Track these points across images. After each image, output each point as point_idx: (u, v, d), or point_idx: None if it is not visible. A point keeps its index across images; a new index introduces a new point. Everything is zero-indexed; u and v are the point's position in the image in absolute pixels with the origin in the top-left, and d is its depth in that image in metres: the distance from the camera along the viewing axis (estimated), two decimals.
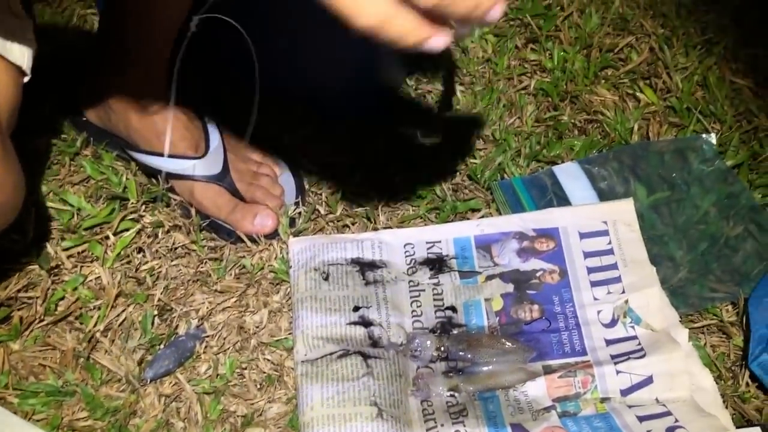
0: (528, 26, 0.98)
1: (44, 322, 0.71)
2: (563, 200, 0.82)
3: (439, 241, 0.77)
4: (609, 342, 0.71)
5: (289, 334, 0.72)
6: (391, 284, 0.73)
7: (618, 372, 0.68)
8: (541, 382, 0.68)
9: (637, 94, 0.94)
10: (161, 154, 0.77)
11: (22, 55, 0.58)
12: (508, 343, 0.71)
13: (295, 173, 0.84)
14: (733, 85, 0.95)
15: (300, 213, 0.80)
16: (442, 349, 0.70)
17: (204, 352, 0.71)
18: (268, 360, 0.71)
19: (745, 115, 0.92)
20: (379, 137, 0.87)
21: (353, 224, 0.81)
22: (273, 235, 0.78)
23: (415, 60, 0.93)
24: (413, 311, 0.73)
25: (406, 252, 0.76)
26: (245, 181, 0.80)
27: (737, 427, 0.68)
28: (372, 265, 0.74)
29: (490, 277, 0.75)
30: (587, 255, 0.76)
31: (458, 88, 0.93)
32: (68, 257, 0.75)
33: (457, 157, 0.86)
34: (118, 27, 0.73)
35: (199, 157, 0.78)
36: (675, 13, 1.02)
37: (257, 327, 0.73)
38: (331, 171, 0.85)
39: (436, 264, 0.76)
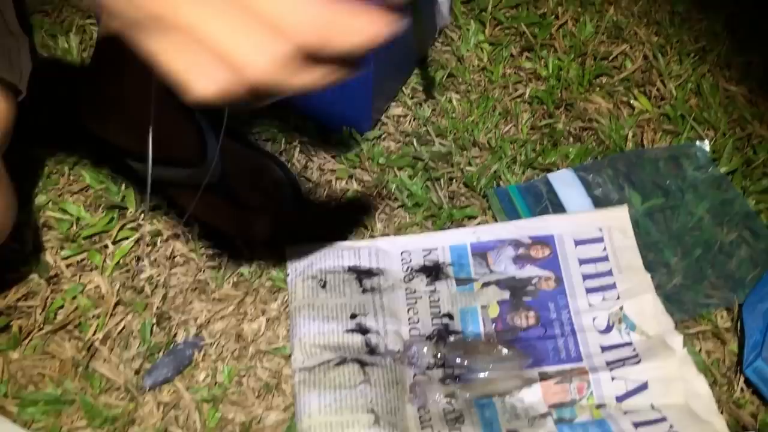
0: (523, 35, 0.99)
1: (43, 331, 0.72)
2: (558, 207, 0.83)
3: (436, 249, 0.78)
4: (604, 348, 0.72)
5: (287, 341, 0.73)
6: (387, 292, 0.74)
7: (613, 378, 0.69)
8: (537, 389, 0.69)
9: (632, 101, 0.94)
10: (160, 163, 0.77)
11: (17, 73, 0.58)
12: (504, 350, 0.71)
13: (292, 181, 0.84)
14: (726, 92, 0.96)
15: (297, 221, 0.81)
16: (439, 356, 0.71)
17: (202, 360, 0.72)
18: (266, 368, 0.71)
19: (738, 122, 0.93)
20: (375, 144, 0.88)
21: (350, 231, 0.81)
22: (271, 243, 0.79)
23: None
24: (410, 318, 0.73)
25: (402, 259, 0.77)
26: (243, 189, 0.80)
27: None
28: (369, 273, 0.75)
29: (486, 284, 0.75)
30: (582, 262, 0.76)
31: (454, 96, 0.93)
32: (67, 266, 0.76)
33: (453, 164, 0.86)
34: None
35: (197, 165, 0.78)
36: (669, 21, 1.03)
37: (255, 335, 0.73)
38: (329, 178, 0.85)
39: (433, 271, 0.76)
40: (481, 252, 0.77)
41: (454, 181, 0.86)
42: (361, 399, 0.66)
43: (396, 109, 0.92)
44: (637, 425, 0.66)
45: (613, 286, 0.75)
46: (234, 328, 0.74)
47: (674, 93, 0.95)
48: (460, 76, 0.95)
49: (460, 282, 0.75)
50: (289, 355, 0.71)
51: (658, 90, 0.95)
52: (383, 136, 0.90)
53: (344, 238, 0.81)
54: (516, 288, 0.75)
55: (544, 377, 0.69)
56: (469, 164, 0.87)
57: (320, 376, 0.68)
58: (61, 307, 0.73)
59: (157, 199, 0.80)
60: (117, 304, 0.74)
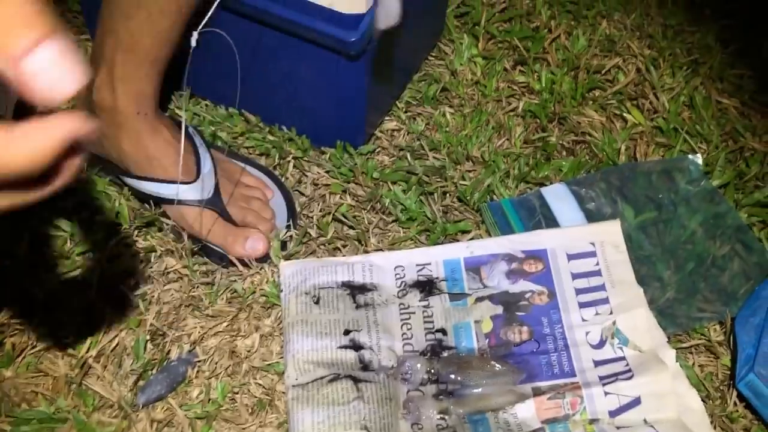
0: (516, 49, 1.00)
1: (37, 349, 0.72)
2: (552, 221, 0.83)
3: (429, 264, 0.78)
4: (597, 363, 0.72)
5: (281, 358, 0.73)
6: (381, 307, 0.74)
7: (606, 393, 0.69)
8: (531, 404, 0.69)
9: (625, 114, 0.95)
10: (153, 180, 0.78)
11: (2, 103, 0.58)
12: (497, 365, 0.71)
13: (286, 196, 0.84)
14: (719, 105, 0.97)
15: (291, 236, 0.81)
16: (433, 371, 0.71)
17: (196, 377, 0.72)
18: (260, 384, 0.72)
19: (731, 135, 0.93)
20: (368, 158, 0.88)
21: (344, 247, 0.82)
22: (264, 258, 0.79)
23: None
24: (404, 334, 0.73)
25: (396, 274, 0.77)
26: (237, 204, 0.80)
27: None
28: (362, 288, 0.75)
29: (479, 299, 0.75)
30: (575, 276, 0.77)
31: (447, 110, 0.94)
32: (61, 283, 0.76)
33: (447, 178, 0.87)
34: (107, 55, 0.74)
35: (191, 182, 0.78)
36: (661, 35, 1.04)
37: (249, 351, 0.74)
38: (323, 192, 0.86)
39: (426, 286, 0.76)
40: (475, 267, 0.77)
41: (447, 195, 0.86)
42: (355, 415, 0.66)
43: (390, 124, 0.92)
44: None
45: (605, 300, 0.75)
46: (227, 344, 0.74)
47: (667, 106, 0.95)
48: (454, 90, 0.96)
49: (453, 297, 0.76)
50: (283, 372, 0.71)
51: (650, 103, 0.96)
52: (377, 150, 0.90)
53: (338, 253, 0.81)
54: (509, 303, 0.75)
55: (537, 392, 0.70)
56: (463, 178, 0.87)
57: (314, 393, 0.68)
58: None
59: (151, 215, 0.80)
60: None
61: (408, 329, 0.73)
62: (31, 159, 0.32)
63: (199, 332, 0.74)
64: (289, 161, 0.87)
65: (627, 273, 0.77)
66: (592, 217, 0.83)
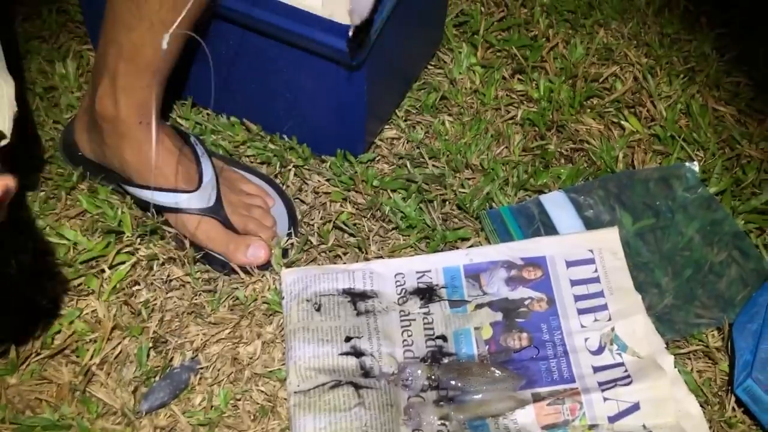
0: (514, 57, 1.01)
1: (41, 356, 0.72)
2: (550, 229, 0.84)
3: (429, 271, 0.79)
4: (596, 369, 0.72)
5: (282, 364, 0.73)
6: (382, 314, 0.75)
7: (605, 399, 0.70)
8: (530, 410, 0.69)
9: (622, 122, 0.96)
10: (155, 188, 0.78)
11: (2, 119, 0.58)
12: (497, 372, 0.72)
13: (287, 204, 0.85)
14: (715, 112, 0.97)
15: (292, 244, 0.82)
16: (433, 378, 0.71)
17: (198, 384, 0.72)
18: (262, 391, 0.72)
19: (727, 142, 0.94)
20: (368, 166, 0.89)
21: (345, 254, 0.82)
22: (266, 266, 0.80)
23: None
24: (404, 341, 0.74)
25: (396, 282, 0.78)
26: (238, 212, 0.81)
27: None
28: (363, 296, 0.76)
29: (479, 306, 0.76)
30: (574, 283, 0.77)
31: (447, 118, 0.95)
32: (64, 291, 0.76)
33: (446, 186, 0.87)
34: (110, 65, 0.75)
35: (193, 191, 0.79)
36: (658, 43, 1.05)
37: (251, 358, 0.74)
38: (323, 201, 0.86)
39: (427, 293, 0.77)
40: (474, 274, 0.78)
41: (447, 203, 0.87)
42: (356, 422, 0.67)
43: (389, 132, 0.93)
44: None
45: (604, 307, 0.76)
46: (230, 351, 0.75)
47: (664, 114, 0.96)
48: (453, 98, 0.97)
49: (453, 304, 0.76)
50: (285, 379, 0.71)
51: (648, 111, 0.97)
52: (377, 158, 0.91)
53: (339, 260, 0.82)
54: (509, 309, 0.76)
55: (537, 398, 0.70)
56: (462, 186, 0.88)
57: (315, 399, 0.68)
58: (59, 331, 0.74)
59: (153, 223, 0.80)
60: (114, 328, 0.74)
61: (408, 336, 0.74)
62: None
63: (201, 339, 0.75)
64: (290, 170, 0.88)
65: (625, 280, 0.78)
66: (590, 224, 0.84)
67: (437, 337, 0.74)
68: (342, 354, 0.71)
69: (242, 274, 0.79)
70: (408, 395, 0.70)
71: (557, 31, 1.04)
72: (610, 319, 0.75)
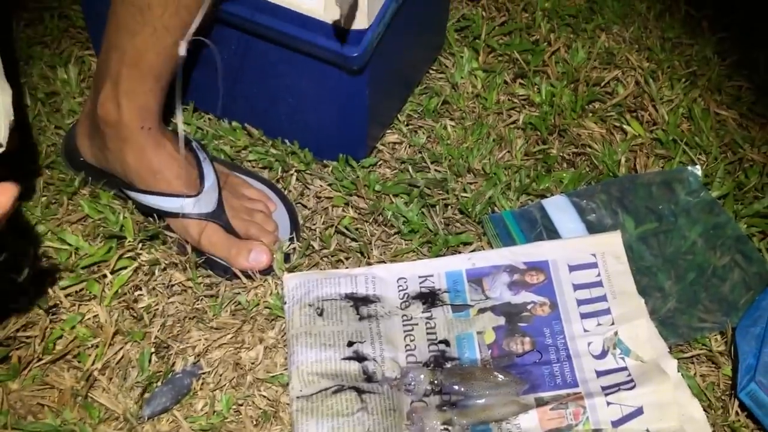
0: (516, 62, 1.01)
1: (43, 361, 0.72)
2: (553, 233, 0.83)
3: (432, 275, 0.78)
4: (599, 373, 0.72)
5: (285, 369, 0.73)
6: (384, 319, 0.75)
7: (609, 403, 0.69)
8: (534, 415, 0.69)
9: (624, 126, 0.96)
10: (157, 193, 0.78)
11: None
12: (500, 376, 0.72)
13: (289, 209, 0.85)
14: (717, 116, 0.97)
15: (294, 248, 0.82)
16: (436, 382, 0.71)
17: (201, 389, 0.72)
18: (264, 396, 0.72)
19: (730, 146, 0.94)
20: (370, 171, 0.89)
21: (347, 259, 0.82)
22: (268, 271, 0.79)
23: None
24: (407, 345, 0.74)
25: (399, 286, 0.78)
26: (240, 217, 0.81)
27: None
28: (365, 300, 0.76)
29: (482, 311, 0.76)
30: (577, 287, 0.77)
31: (448, 123, 0.95)
32: (66, 296, 0.76)
33: (448, 191, 0.87)
34: (112, 70, 0.75)
35: (195, 195, 0.79)
36: (660, 47, 1.05)
37: (253, 363, 0.74)
38: (325, 205, 0.86)
39: (429, 298, 0.77)
40: (477, 278, 0.78)
41: (449, 207, 0.87)
42: (359, 426, 0.67)
43: (391, 137, 0.93)
44: None
45: (607, 311, 0.76)
46: (232, 356, 0.74)
47: (666, 118, 0.96)
48: (455, 103, 0.97)
49: (456, 308, 0.76)
50: (287, 383, 0.71)
51: (650, 115, 0.97)
52: (379, 163, 0.91)
53: (341, 265, 0.82)
54: (511, 314, 0.76)
55: (540, 403, 0.70)
56: (464, 191, 0.88)
57: (318, 404, 0.68)
58: (60, 337, 0.74)
59: (155, 228, 0.80)
60: (115, 333, 0.74)
61: (411, 340, 0.74)
62: None
63: (203, 344, 0.75)
64: (291, 174, 0.88)
65: (628, 284, 0.78)
66: (593, 228, 0.84)
67: (440, 342, 0.74)
68: (344, 359, 0.71)
69: (244, 279, 0.79)
70: (411, 400, 0.70)
71: (559, 35, 1.04)
72: (613, 323, 0.75)
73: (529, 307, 0.76)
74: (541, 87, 0.98)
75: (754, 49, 1.05)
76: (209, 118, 0.93)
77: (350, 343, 0.72)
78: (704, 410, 0.71)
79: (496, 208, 0.87)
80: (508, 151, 0.92)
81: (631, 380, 0.71)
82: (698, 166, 0.89)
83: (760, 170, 0.91)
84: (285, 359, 0.74)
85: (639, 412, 0.69)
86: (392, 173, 0.90)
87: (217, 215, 0.79)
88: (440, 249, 0.83)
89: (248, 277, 0.79)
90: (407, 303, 0.76)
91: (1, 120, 0.58)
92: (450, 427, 0.68)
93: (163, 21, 0.71)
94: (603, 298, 0.76)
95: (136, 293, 0.78)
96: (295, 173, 0.88)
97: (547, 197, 0.87)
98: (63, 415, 0.69)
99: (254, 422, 0.71)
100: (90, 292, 0.77)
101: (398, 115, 0.95)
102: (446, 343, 0.74)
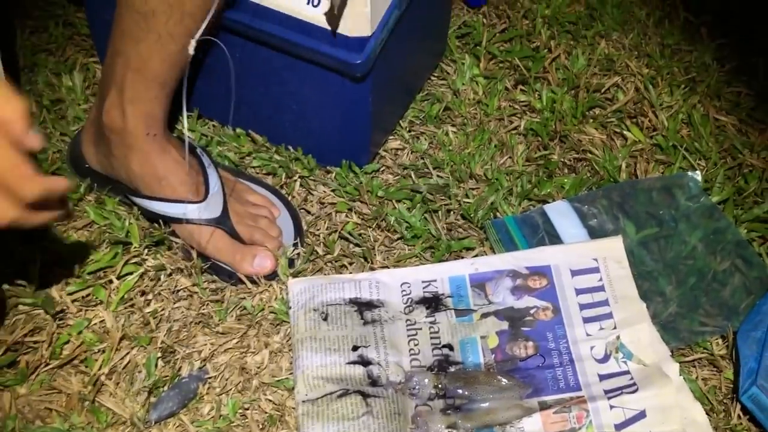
0: (517, 68, 1.01)
1: (50, 366, 0.73)
2: (555, 238, 0.84)
3: (435, 280, 0.79)
4: (602, 377, 0.73)
5: (290, 374, 0.74)
6: (388, 323, 0.75)
7: (612, 407, 0.70)
8: (537, 418, 0.70)
9: (624, 132, 0.96)
10: (162, 199, 0.79)
11: None
12: (504, 380, 0.72)
13: (293, 214, 0.86)
14: (717, 122, 0.98)
15: (299, 254, 0.82)
16: (440, 386, 0.72)
17: (207, 394, 0.73)
18: (270, 400, 0.72)
19: (729, 152, 0.95)
20: (373, 177, 0.89)
21: (351, 264, 0.83)
22: (272, 276, 0.80)
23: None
24: (411, 350, 0.74)
25: (402, 291, 0.78)
26: (244, 223, 0.82)
27: None
28: (370, 305, 0.76)
29: (485, 315, 0.77)
30: (579, 292, 0.78)
31: (450, 129, 0.95)
32: (73, 301, 0.77)
33: (450, 196, 0.88)
34: (117, 77, 0.75)
35: (199, 201, 0.80)
36: (659, 54, 1.05)
37: (259, 368, 0.75)
38: (329, 211, 0.87)
39: (432, 302, 0.78)
40: (480, 283, 0.79)
41: (451, 213, 0.87)
42: (364, 430, 0.67)
43: (394, 143, 0.94)
44: None
45: (609, 315, 0.76)
46: (237, 361, 0.75)
47: (666, 124, 0.97)
48: (456, 109, 0.97)
49: (459, 313, 0.77)
50: (293, 388, 0.72)
51: (650, 121, 0.97)
52: (381, 169, 0.91)
53: (344, 270, 0.82)
54: (514, 318, 0.76)
55: (543, 407, 0.71)
56: (467, 196, 0.89)
57: (323, 408, 0.69)
58: (67, 342, 0.75)
59: (161, 234, 0.81)
60: (122, 338, 0.75)
61: (415, 345, 0.75)
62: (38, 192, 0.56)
63: (209, 349, 0.75)
64: (295, 180, 0.89)
65: (630, 288, 0.78)
66: (594, 233, 0.85)
67: (443, 346, 0.75)
68: (349, 363, 0.72)
69: (249, 284, 0.79)
70: (415, 404, 0.71)
71: (559, 42, 1.05)
72: (615, 328, 0.75)
73: (532, 311, 0.77)
74: (542, 93, 0.99)
75: (752, 55, 1.06)
76: (213, 125, 0.93)
77: (355, 348, 0.73)
78: (706, 414, 0.71)
79: (498, 214, 0.87)
80: (510, 157, 0.93)
81: (634, 384, 0.72)
82: (698, 172, 0.90)
83: (759, 175, 0.92)
84: (290, 363, 0.75)
85: (642, 415, 0.70)
86: (395, 179, 0.91)
87: (222, 221, 0.80)
88: (443, 254, 0.83)
89: (253, 282, 0.79)
90: (411, 308, 0.77)
91: None
92: (454, 431, 0.69)
93: (167, 28, 0.72)
94: (605, 303, 0.77)
95: (142, 298, 0.78)
96: (299, 179, 0.89)
97: (548, 203, 0.88)
98: (71, 420, 0.70)
99: (260, 426, 0.71)
100: (96, 298, 0.78)
101: (400, 122, 0.96)
102: (450, 347, 0.75)
